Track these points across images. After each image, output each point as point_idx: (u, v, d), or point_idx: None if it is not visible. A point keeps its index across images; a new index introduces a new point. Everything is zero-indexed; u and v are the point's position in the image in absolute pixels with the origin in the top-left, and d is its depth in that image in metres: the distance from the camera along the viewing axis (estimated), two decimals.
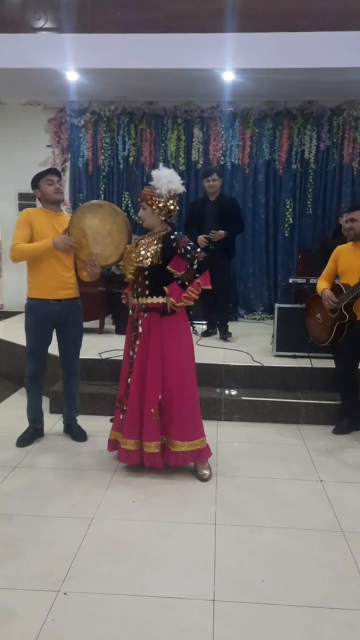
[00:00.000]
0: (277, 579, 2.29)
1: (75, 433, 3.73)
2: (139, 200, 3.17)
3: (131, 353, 3.21)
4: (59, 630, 1.97)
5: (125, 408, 3.22)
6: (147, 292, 3.12)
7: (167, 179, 3.06)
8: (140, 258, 3.08)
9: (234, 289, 6.46)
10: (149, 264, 3.06)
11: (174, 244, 3.06)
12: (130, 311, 3.25)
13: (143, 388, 3.14)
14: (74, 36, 5.38)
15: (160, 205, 3.07)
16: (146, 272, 3.10)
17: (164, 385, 3.12)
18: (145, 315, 3.13)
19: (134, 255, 3.12)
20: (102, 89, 6.06)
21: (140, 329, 3.14)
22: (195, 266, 3.04)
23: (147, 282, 3.10)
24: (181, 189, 3.13)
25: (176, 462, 3.16)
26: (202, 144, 6.55)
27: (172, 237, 3.09)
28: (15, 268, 3.72)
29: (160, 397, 3.12)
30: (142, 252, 3.09)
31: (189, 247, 3.05)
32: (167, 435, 3.18)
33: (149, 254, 3.06)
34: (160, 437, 3.16)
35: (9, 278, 7.00)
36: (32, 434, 3.66)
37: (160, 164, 3.23)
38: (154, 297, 3.10)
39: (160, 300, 3.09)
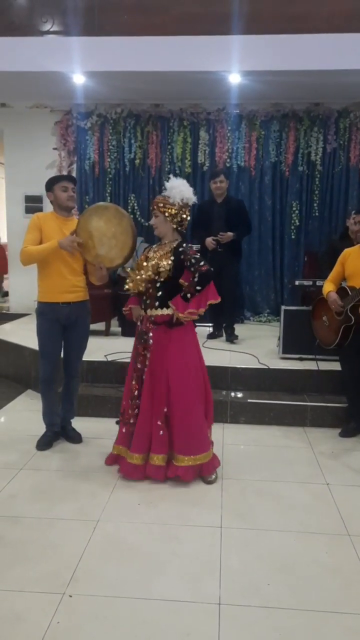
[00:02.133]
0: (283, 582, 2.28)
1: (70, 435, 3.74)
2: (151, 208, 3.20)
3: (139, 365, 3.19)
4: (65, 633, 1.97)
5: (132, 421, 3.21)
6: (156, 304, 3.12)
7: (179, 189, 3.08)
8: (151, 271, 3.07)
9: (240, 291, 6.45)
10: (164, 277, 3.06)
11: (182, 257, 3.06)
12: (138, 322, 3.25)
13: (152, 402, 3.13)
14: (80, 39, 5.40)
15: (173, 212, 3.09)
16: (158, 285, 3.09)
17: (169, 398, 3.11)
18: (154, 327, 3.13)
19: (144, 268, 3.11)
20: (109, 92, 6.07)
21: (150, 341, 3.14)
22: (196, 279, 3.03)
23: (158, 294, 3.10)
24: (193, 199, 3.16)
25: (176, 473, 3.11)
26: (208, 146, 6.55)
27: (180, 249, 3.09)
28: (22, 271, 3.73)
29: (165, 410, 3.11)
30: (158, 264, 3.07)
31: (193, 260, 3.05)
32: (171, 449, 3.16)
33: (166, 265, 3.05)
34: (167, 451, 3.15)
35: (17, 281, 7.02)
36: (51, 437, 3.67)
37: (171, 175, 3.25)
38: (163, 309, 3.11)
39: (170, 312, 3.10)
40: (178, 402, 3.10)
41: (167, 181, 3.17)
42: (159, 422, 3.10)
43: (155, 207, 3.14)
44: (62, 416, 3.75)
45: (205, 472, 3.19)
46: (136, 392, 3.18)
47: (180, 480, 3.11)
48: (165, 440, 3.12)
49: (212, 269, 3.10)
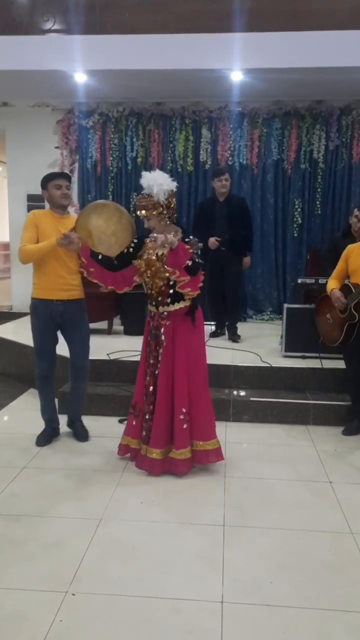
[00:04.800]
0: (286, 581, 2.27)
1: (78, 432, 3.74)
2: (138, 213, 3.09)
3: (152, 361, 3.21)
4: (67, 631, 1.97)
5: (147, 417, 3.23)
6: (168, 301, 3.12)
7: (157, 182, 3.00)
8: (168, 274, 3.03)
9: (242, 290, 6.44)
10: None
11: (187, 246, 3.03)
12: (148, 318, 3.25)
13: (171, 396, 3.15)
14: (82, 38, 5.39)
15: (161, 210, 3.04)
16: (171, 282, 3.06)
17: (189, 391, 3.15)
18: (168, 323, 3.13)
19: (159, 265, 3.06)
20: (110, 90, 6.07)
21: (163, 337, 3.14)
22: (189, 263, 2.94)
23: (170, 291, 3.09)
24: (174, 185, 3.08)
25: (208, 459, 3.21)
26: (210, 145, 6.54)
27: (186, 240, 3.06)
28: (24, 269, 3.74)
29: (188, 403, 3.15)
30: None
31: (194, 255, 2.99)
32: (194, 438, 3.20)
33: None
34: (189, 442, 3.18)
35: (18, 279, 7.01)
36: (50, 433, 3.70)
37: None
38: (176, 303, 3.11)
39: (182, 305, 3.11)
40: (193, 392, 3.15)
41: (143, 178, 3.06)
42: (181, 417, 3.12)
43: (143, 210, 3.05)
44: (71, 414, 3.77)
45: (219, 457, 3.27)
46: (151, 388, 3.20)
47: (212, 463, 3.24)
48: (188, 433, 3.16)
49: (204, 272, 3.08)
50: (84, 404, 3.81)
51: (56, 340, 3.59)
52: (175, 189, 3.12)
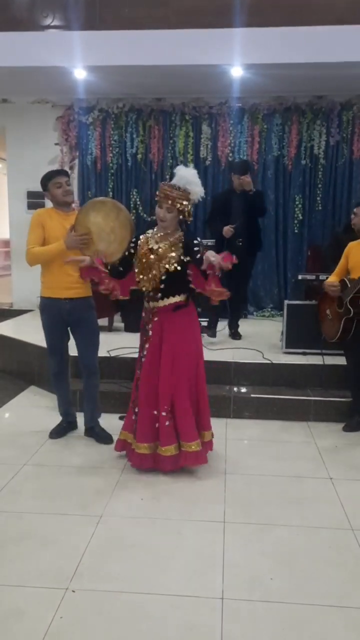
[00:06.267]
0: (286, 577, 2.27)
1: (99, 435, 3.66)
2: (162, 195, 3.02)
3: (142, 357, 3.22)
4: (67, 628, 1.97)
5: (136, 410, 3.22)
6: (159, 296, 3.11)
7: (188, 181, 3.01)
8: (165, 263, 3.02)
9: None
10: (172, 269, 3.02)
11: (196, 248, 3.00)
12: (143, 313, 3.24)
13: (155, 391, 3.14)
14: (81, 33, 5.37)
15: (189, 209, 3.03)
16: (163, 277, 3.05)
17: (175, 388, 3.13)
18: (156, 319, 3.13)
19: (152, 258, 3.05)
20: (110, 87, 6.05)
21: (150, 333, 3.14)
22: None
23: (162, 287, 3.08)
24: (199, 195, 3.10)
25: (186, 462, 3.15)
26: (210, 141, 6.53)
27: (195, 241, 3.05)
28: (25, 267, 3.72)
29: (171, 400, 3.12)
30: (168, 256, 3.02)
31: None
32: (179, 437, 3.16)
33: (173, 260, 3.02)
34: (176, 441, 3.15)
35: (20, 277, 7.01)
36: (65, 427, 3.74)
37: (191, 165, 3.18)
38: (165, 299, 3.10)
39: (172, 301, 3.10)
40: (182, 390, 3.13)
41: (182, 169, 3.07)
42: (163, 414, 3.11)
43: (168, 199, 3.00)
44: (89, 417, 3.70)
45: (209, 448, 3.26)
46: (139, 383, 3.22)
47: (189, 467, 3.16)
48: (172, 430, 3.13)
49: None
50: (97, 406, 3.72)
51: (67, 338, 3.61)
52: (199, 200, 3.15)
